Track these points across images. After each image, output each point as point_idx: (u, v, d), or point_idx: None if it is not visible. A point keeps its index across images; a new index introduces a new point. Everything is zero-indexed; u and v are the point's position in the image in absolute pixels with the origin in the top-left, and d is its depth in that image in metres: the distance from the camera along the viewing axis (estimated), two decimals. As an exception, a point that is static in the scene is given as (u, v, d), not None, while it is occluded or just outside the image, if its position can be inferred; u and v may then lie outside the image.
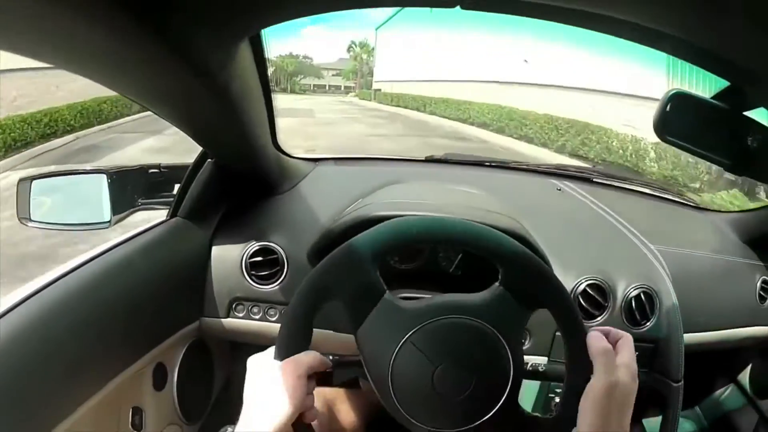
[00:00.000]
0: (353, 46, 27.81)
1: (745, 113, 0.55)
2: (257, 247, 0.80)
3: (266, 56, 0.60)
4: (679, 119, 0.56)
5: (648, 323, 0.84)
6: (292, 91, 26.90)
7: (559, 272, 0.79)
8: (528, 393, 0.89)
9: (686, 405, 1.26)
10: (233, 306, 0.80)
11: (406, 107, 17.71)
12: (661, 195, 1.19)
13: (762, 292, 1.07)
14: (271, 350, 0.49)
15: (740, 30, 0.37)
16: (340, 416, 0.80)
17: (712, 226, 1.13)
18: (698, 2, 0.33)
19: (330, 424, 0.79)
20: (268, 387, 0.46)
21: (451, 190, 0.94)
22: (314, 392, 0.50)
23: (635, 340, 0.82)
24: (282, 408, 0.44)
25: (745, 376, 1.20)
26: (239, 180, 0.83)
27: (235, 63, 0.51)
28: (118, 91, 0.52)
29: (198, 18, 0.40)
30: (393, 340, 0.46)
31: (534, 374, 0.80)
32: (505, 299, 0.47)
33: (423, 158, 1.15)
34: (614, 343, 0.50)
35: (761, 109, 0.54)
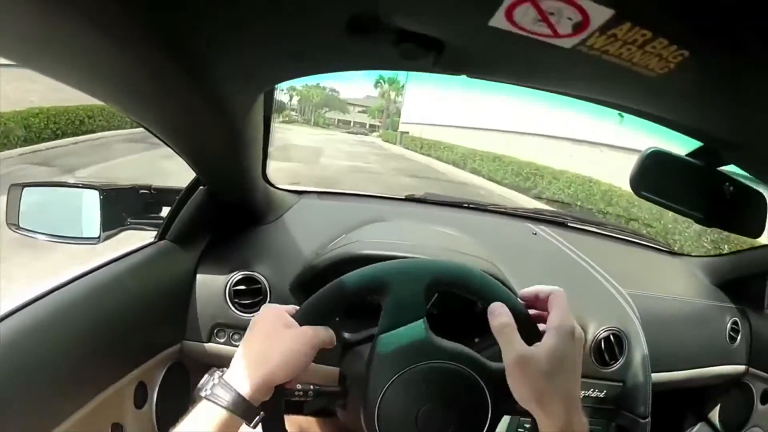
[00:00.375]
0: (381, 82, 25.58)
1: (718, 168, 0.58)
2: (241, 276, 0.82)
3: (273, 103, 0.66)
4: (655, 175, 0.58)
5: (616, 364, 0.87)
6: (316, 124, 25.46)
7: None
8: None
9: None
10: (215, 331, 0.82)
11: (439, 159, 13.95)
12: (634, 240, 1.23)
13: (732, 333, 1.11)
14: (290, 307, 0.49)
15: (710, 104, 0.40)
16: None
17: (684, 271, 1.17)
18: (667, 86, 0.36)
19: None
20: (278, 343, 0.45)
21: (431, 231, 0.97)
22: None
23: (603, 379, 0.87)
24: (282, 368, 0.44)
25: (714, 414, 1.24)
26: (227, 208, 0.85)
27: (251, 108, 0.54)
28: (133, 117, 0.54)
29: (234, 69, 0.43)
30: (402, 362, 0.48)
31: None
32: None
33: (403, 197, 1.19)
34: (545, 300, 0.49)
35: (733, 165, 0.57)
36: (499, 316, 0.46)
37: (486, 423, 0.48)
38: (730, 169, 0.59)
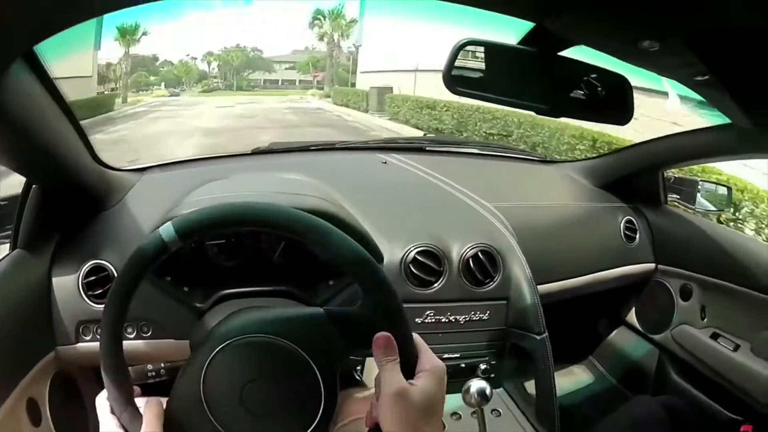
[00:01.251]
0: (319, 19, 17.94)
1: (559, 54, 0.53)
2: (89, 267, 0.80)
3: (47, 69, 0.59)
4: (474, 68, 0.54)
5: (493, 282, 0.86)
6: (239, 88, 19.82)
7: (385, 245, 0.82)
8: None
9: (580, 356, 1.30)
10: (80, 330, 0.80)
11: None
12: (502, 154, 1.21)
13: (628, 232, 1.10)
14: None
15: None
16: None
17: (561, 177, 1.16)
18: None
19: None
20: None
21: (265, 179, 0.94)
22: (156, 403, 0.49)
23: (482, 300, 0.85)
24: None
25: (632, 316, 1.23)
26: (68, 202, 0.83)
27: (5, 86, 0.50)
28: None
29: None
30: (230, 333, 0.46)
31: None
32: (329, 331, 0.46)
33: (249, 152, 1.15)
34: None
35: (580, 49, 0.51)
36: (387, 349, 0.45)
37: (320, 405, 0.46)
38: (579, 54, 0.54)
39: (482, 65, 0.55)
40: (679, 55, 0.45)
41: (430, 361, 0.46)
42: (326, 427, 0.46)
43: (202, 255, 0.84)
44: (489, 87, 0.55)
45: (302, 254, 0.83)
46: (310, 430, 0.45)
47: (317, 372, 0.45)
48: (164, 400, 0.48)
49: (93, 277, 0.80)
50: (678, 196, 1.21)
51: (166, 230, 0.45)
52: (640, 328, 1.22)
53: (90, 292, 0.80)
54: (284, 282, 0.79)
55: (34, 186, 0.79)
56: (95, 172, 0.84)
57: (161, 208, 0.84)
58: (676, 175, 1.23)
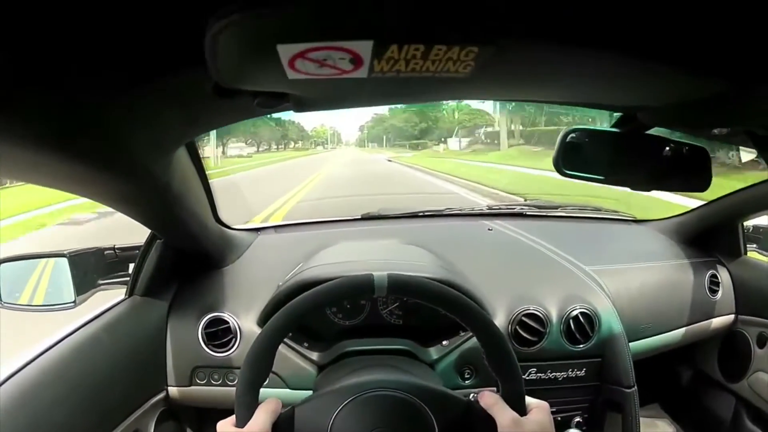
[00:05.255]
0: None
1: (647, 132, 0.59)
2: (210, 318, 0.85)
3: (200, 152, 0.69)
4: (579, 153, 0.60)
5: (590, 341, 0.88)
6: None
7: (494, 307, 0.85)
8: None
9: (660, 408, 1.31)
10: (195, 374, 0.85)
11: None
12: (596, 216, 1.24)
13: (712, 286, 1.11)
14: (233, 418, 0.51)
15: (615, 77, 0.41)
16: None
17: (652, 236, 1.18)
18: (579, 71, 0.38)
19: None
20: None
21: (382, 247, 1.00)
22: (271, 403, 0.51)
23: (579, 358, 0.89)
24: None
25: (712, 367, 1.23)
26: (188, 256, 0.88)
27: (174, 164, 0.58)
28: (79, 194, 0.58)
29: (141, 140, 0.47)
30: (354, 389, 0.51)
31: None
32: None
33: (359, 216, 1.20)
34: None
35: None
36: (489, 396, 0.52)
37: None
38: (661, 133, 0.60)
39: (585, 150, 0.60)
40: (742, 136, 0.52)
41: (534, 400, 0.53)
42: None
43: (322, 314, 0.89)
44: (590, 168, 0.60)
45: (413, 317, 0.88)
46: None
47: (432, 418, 0.50)
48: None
49: (213, 328, 0.85)
50: (756, 245, 1.21)
51: (380, 277, 0.51)
52: (717, 378, 1.22)
53: (209, 341, 0.85)
54: (399, 341, 0.83)
55: (158, 240, 0.83)
56: (216, 231, 0.90)
57: (281, 268, 0.90)
58: (753, 225, 1.23)
